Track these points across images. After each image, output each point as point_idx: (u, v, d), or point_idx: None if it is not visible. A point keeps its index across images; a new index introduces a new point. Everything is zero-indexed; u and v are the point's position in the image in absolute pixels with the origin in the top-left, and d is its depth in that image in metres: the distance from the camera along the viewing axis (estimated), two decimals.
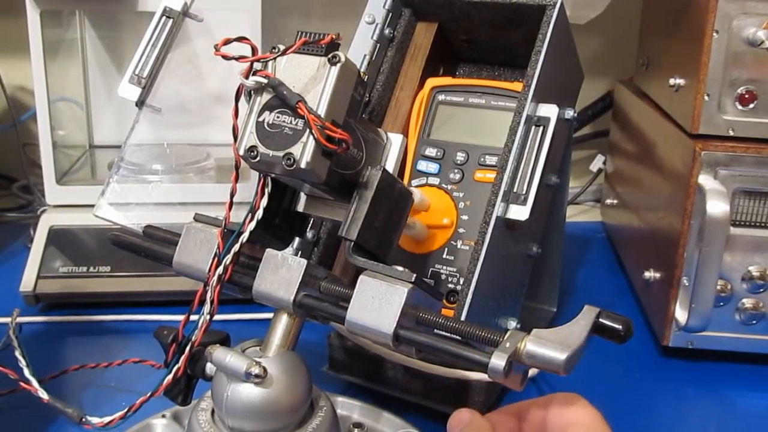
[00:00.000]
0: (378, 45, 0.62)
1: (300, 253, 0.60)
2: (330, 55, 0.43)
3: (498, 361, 0.38)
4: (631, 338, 0.39)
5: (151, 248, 0.52)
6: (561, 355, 0.37)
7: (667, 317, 0.68)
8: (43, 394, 0.52)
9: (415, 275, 0.43)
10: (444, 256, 0.59)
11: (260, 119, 0.43)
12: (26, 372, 0.54)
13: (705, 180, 0.64)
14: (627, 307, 0.81)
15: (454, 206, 0.60)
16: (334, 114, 0.43)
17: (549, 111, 0.56)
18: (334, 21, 1.09)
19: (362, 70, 0.61)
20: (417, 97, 0.64)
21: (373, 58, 0.62)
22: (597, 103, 1.12)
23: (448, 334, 0.42)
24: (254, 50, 0.43)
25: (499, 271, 0.56)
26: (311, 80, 0.43)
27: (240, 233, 0.46)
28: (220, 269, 0.46)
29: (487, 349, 0.39)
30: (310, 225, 0.58)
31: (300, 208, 0.51)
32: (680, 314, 0.66)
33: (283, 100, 0.42)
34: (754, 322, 0.67)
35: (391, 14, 0.63)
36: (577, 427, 0.40)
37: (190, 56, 0.85)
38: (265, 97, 0.43)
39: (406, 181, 0.62)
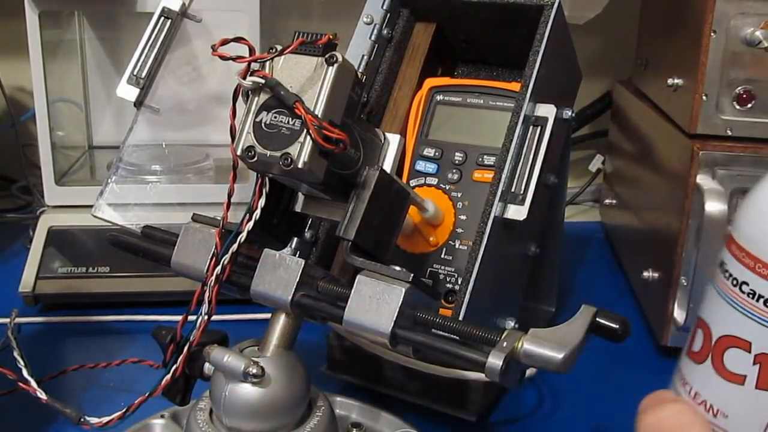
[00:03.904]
0: (376, 45, 0.62)
1: (298, 253, 0.60)
2: (327, 55, 0.43)
3: (495, 360, 0.38)
4: (628, 337, 0.39)
5: (149, 248, 0.52)
6: (558, 355, 0.37)
7: (666, 317, 0.68)
8: (42, 395, 0.52)
9: (412, 275, 0.43)
10: (442, 256, 0.59)
11: (258, 119, 0.43)
12: (25, 372, 0.54)
13: (703, 180, 0.64)
14: (626, 306, 0.81)
15: (452, 206, 0.60)
16: (332, 114, 0.43)
17: (547, 111, 0.56)
18: (332, 21, 1.09)
19: (360, 70, 0.61)
20: (415, 97, 0.64)
21: (372, 59, 0.62)
22: (596, 104, 1.12)
23: (446, 334, 0.42)
24: (252, 50, 0.43)
25: (497, 271, 0.56)
26: (308, 80, 0.43)
27: (238, 233, 0.46)
28: (218, 269, 0.46)
29: (484, 349, 0.39)
30: (308, 225, 0.58)
31: (298, 208, 0.51)
32: (678, 314, 0.66)
33: (280, 100, 0.42)
34: None
35: (389, 14, 0.63)
36: None
37: (188, 57, 0.85)
38: (263, 97, 0.43)
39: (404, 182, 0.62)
